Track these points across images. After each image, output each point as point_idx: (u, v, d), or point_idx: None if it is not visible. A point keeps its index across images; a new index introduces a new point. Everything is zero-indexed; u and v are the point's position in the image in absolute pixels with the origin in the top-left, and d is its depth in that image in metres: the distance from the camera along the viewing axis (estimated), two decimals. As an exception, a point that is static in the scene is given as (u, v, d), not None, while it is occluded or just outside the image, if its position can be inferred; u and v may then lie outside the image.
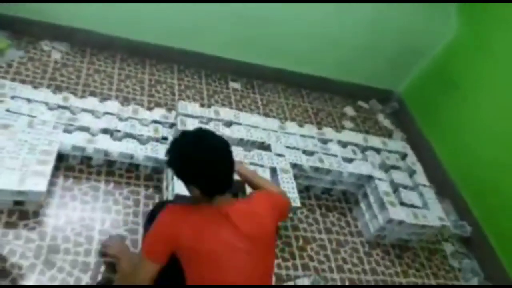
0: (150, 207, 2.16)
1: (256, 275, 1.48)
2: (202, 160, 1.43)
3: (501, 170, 2.75)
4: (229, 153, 1.50)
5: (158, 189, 2.30)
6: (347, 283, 2.32)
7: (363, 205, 2.64)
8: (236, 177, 1.70)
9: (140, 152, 2.24)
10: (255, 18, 2.95)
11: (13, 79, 2.55)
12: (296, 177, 2.43)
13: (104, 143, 2.19)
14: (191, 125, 2.35)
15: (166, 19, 2.88)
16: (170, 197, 2.08)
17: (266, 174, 2.31)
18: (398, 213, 2.45)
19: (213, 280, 1.42)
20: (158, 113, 2.45)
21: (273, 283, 2.15)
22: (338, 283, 2.30)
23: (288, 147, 2.54)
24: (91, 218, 2.05)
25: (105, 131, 2.24)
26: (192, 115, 2.43)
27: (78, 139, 2.15)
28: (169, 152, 1.52)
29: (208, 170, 1.43)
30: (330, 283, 2.28)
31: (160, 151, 2.25)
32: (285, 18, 2.98)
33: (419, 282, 2.50)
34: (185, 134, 1.55)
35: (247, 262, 1.45)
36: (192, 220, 1.46)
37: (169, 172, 2.20)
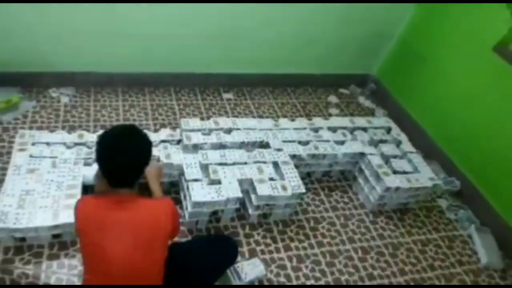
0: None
1: (135, 251, 1.39)
2: (106, 154, 1.41)
3: (475, 126, 2.76)
4: (137, 154, 1.43)
5: (177, 200, 2.30)
6: (359, 251, 2.32)
7: (360, 180, 2.64)
8: None
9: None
10: (234, 32, 2.96)
11: (30, 128, 2.56)
12: (296, 166, 2.43)
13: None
14: (195, 138, 2.36)
15: (156, 50, 2.88)
16: (189, 206, 2.09)
17: (269, 169, 2.31)
18: (393, 181, 2.45)
19: (92, 249, 1.40)
20: (164, 133, 2.45)
21: (291, 264, 2.16)
22: (351, 252, 2.30)
23: (284, 141, 2.54)
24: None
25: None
26: (195, 129, 2.44)
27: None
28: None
29: (107, 163, 1.42)
30: (344, 254, 2.28)
31: (173, 168, 2.26)
32: (261, 27, 2.98)
33: (423, 238, 2.50)
34: (112, 129, 1.49)
35: (126, 237, 1.38)
36: (86, 208, 1.44)
37: (184, 183, 2.21)
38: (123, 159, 1.39)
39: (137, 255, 1.40)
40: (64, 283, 1.80)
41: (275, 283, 2.06)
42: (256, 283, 2.03)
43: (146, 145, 1.48)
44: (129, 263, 1.39)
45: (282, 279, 2.09)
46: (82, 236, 1.42)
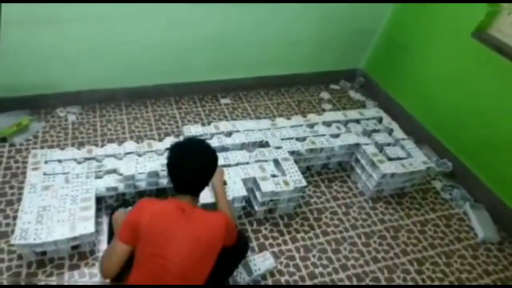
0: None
1: (191, 264, 1.42)
2: (175, 162, 1.51)
3: (461, 109, 2.75)
4: (202, 164, 1.52)
5: (186, 203, 2.30)
6: (362, 237, 2.32)
7: (358, 169, 2.64)
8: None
9: (163, 177, 2.24)
10: (224, 39, 2.95)
11: (42, 147, 2.56)
12: (296, 161, 2.43)
13: (131, 178, 2.19)
14: (198, 143, 2.35)
15: (154, 63, 2.88)
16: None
17: (270, 166, 2.31)
18: (388, 167, 2.45)
19: (152, 254, 1.40)
20: (169, 141, 2.44)
21: (299, 254, 2.16)
22: (355, 239, 2.30)
23: (283, 139, 2.54)
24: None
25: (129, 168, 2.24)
26: (197, 134, 2.44)
27: (109, 181, 2.16)
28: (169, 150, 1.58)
29: (175, 171, 1.51)
30: (348, 240, 2.28)
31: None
32: (248, 32, 2.97)
33: (421, 219, 2.50)
34: (184, 141, 1.64)
35: (185, 249, 1.41)
36: (154, 208, 1.47)
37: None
38: (200, 164, 1.49)
39: (192, 268, 1.42)
40: (86, 291, 1.80)
41: (285, 274, 2.06)
42: (268, 275, 2.03)
43: (215, 156, 1.57)
44: (183, 276, 1.41)
45: (292, 269, 2.09)
46: (146, 236, 1.41)
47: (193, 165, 1.48)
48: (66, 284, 1.85)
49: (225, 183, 2.11)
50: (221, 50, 3.01)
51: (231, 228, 1.58)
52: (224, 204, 1.89)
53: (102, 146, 2.53)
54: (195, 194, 1.57)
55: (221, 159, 2.29)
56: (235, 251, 1.82)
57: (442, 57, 2.87)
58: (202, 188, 1.56)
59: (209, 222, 1.48)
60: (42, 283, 1.84)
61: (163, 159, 2.28)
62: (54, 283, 1.84)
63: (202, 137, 2.42)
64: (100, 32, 2.56)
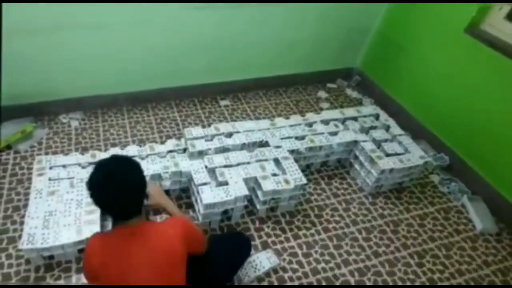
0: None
1: (160, 283, 1.31)
2: (102, 193, 1.28)
3: (456, 103, 2.75)
4: (130, 188, 1.30)
5: (190, 205, 2.31)
6: (363, 232, 2.32)
7: (357, 166, 2.64)
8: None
9: (166, 179, 2.24)
10: (224, 43, 2.96)
11: (46, 153, 2.56)
12: (296, 160, 2.43)
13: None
14: (200, 145, 2.36)
15: (155, 67, 2.88)
16: (201, 208, 2.09)
17: (271, 166, 2.31)
18: (387, 163, 2.45)
19: (117, 281, 1.29)
20: (170, 144, 2.45)
21: (302, 251, 2.16)
22: (356, 234, 2.30)
23: (282, 138, 2.54)
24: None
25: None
26: (198, 136, 2.44)
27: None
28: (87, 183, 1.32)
29: (106, 202, 1.30)
30: (349, 236, 2.28)
31: (179, 175, 2.26)
32: (248, 35, 2.98)
33: (420, 213, 2.50)
34: (97, 169, 1.32)
35: (146, 275, 1.29)
36: (103, 247, 1.33)
37: (194, 188, 2.21)
38: (121, 191, 1.27)
39: (159, 284, 1.31)
40: (94, 293, 1.80)
41: (289, 271, 2.06)
42: (271, 273, 2.03)
43: (136, 166, 1.35)
44: None
45: (295, 266, 2.09)
46: (103, 272, 1.30)
47: (115, 184, 1.27)
48: (73, 285, 1.85)
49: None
50: (220, 53, 3.01)
51: (190, 228, 1.46)
52: (178, 211, 1.76)
53: (105, 150, 2.53)
54: (136, 214, 1.36)
55: (222, 159, 2.29)
56: (238, 250, 1.82)
57: (436, 53, 2.87)
58: (137, 207, 1.36)
59: (164, 234, 1.36)
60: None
61: (166, 161, 2.29)
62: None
63: (203, 139, 2.43)
64: (100, 38, 2.56)
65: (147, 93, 3.05)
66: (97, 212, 1.96)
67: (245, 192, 2.12)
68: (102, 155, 2.30)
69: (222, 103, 3.24)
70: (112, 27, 2.54)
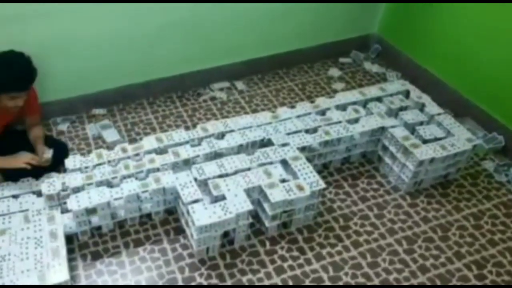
0: (180, 251, 2.19)
1: None
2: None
3: (508, 66, 2.74)
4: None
5: (179, 229, 2.31)
6: (403, 243, 2.33)
7: (387, 159, 2.65)
8: None
9: (145, 200, 2.25)
10: (199, 22, 2.96)
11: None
12: (309, 159, 2.44)
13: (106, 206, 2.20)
14: (185, 152, 2.37)
15: (115, 60, 2.89)
16: (194, 233, 2.09)
17: (278, 170, 2.32)
18: (425, 152, 2.46)
19: None
20: (149, 158, 2.45)
21: (328, 275, 2.16)
22: (395, 246, 2.31)
23: (288, 133, 2.55)
24: (125, 285, 2.06)
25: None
26: (182, 142, 2.45)
27: (79, 213, 2.16)
28: None
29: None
30: (386, 250, 2.29)
31: (162, 193, 2.26)
32: (230, 9, 2.98)
33: (474, 211, 2.51)
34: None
35: None
36: None
37: (182, 207, 2.21)
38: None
39: None
40: None
41: (314, 301, 2.07)
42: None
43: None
44: None
45: (321, 294, 2.10)
46: None
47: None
48: None
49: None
50: (198, 33, 3.02)
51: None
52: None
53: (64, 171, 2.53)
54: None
55: (215, 168, 2.30)
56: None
57: (476, 3, 2.85)
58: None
59: None
60: None
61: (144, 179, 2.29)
62: None
63: (189, 144, 2.43)
64: (47, 31, 2.57)
65: (111, 93, 3.05)
66: (62, 250, 1.97)
67: (249, 206, 2.13)
68: (62, 178, 2.30)
69: (208, 96, 3.25)
70: (61, 15, 2.54)
